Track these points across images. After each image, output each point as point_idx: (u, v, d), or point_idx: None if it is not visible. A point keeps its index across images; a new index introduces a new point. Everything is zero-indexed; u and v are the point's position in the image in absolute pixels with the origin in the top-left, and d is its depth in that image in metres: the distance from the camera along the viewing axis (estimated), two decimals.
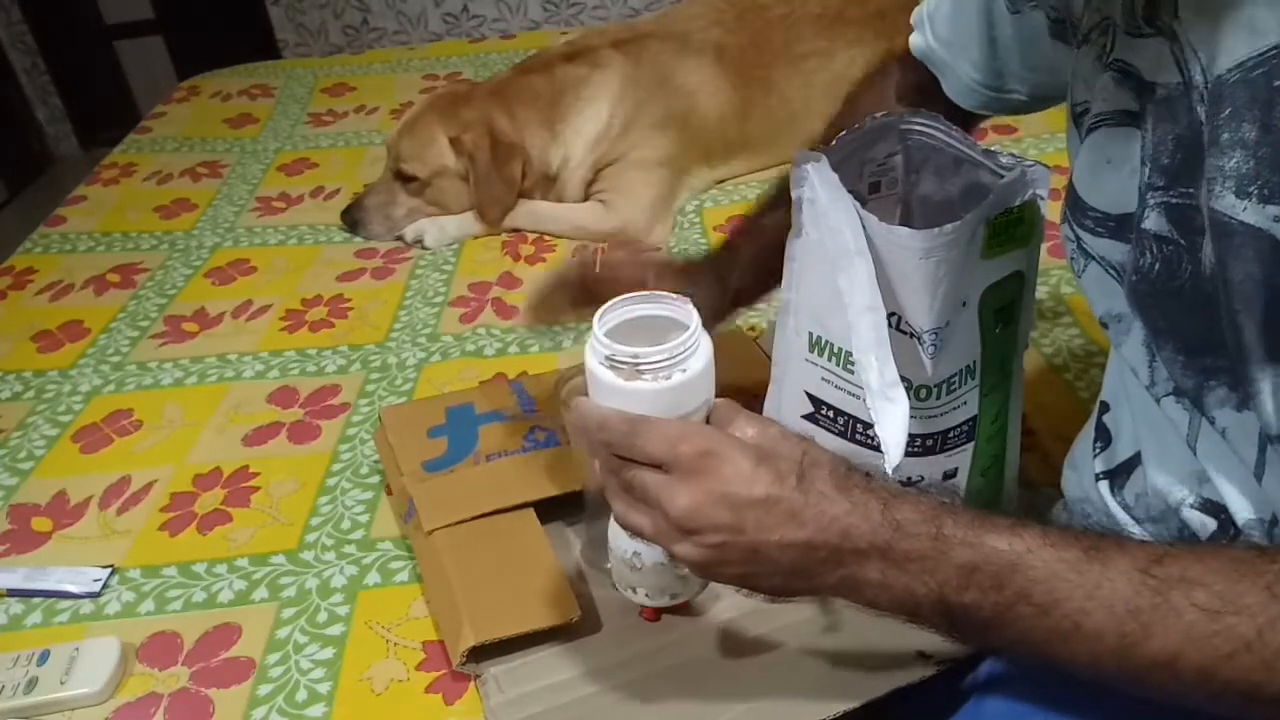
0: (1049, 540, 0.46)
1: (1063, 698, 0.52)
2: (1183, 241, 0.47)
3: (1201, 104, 0.45)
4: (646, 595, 0.57)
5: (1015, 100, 0.69)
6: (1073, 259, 0.58)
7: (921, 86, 0.73)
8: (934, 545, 0.47)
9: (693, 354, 0.52)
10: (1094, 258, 0.55)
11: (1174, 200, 0.48)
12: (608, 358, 0.52)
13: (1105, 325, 0.57)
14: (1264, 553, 0.44)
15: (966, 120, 0.72)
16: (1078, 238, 0.56)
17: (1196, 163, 0.45)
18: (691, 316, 0.53)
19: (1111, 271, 0.54)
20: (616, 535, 0.56)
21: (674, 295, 0.55)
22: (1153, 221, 0.49)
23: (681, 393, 0.52)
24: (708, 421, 0.54)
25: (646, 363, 0.51)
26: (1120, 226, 0.52)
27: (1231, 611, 0.42)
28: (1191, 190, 0.46)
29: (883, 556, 0.48)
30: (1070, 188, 0.57)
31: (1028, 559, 0.46)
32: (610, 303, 0.55)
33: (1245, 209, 0.42)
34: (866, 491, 0.49)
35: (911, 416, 0.55)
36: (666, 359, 0.51)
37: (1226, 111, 0.43)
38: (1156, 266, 0.49)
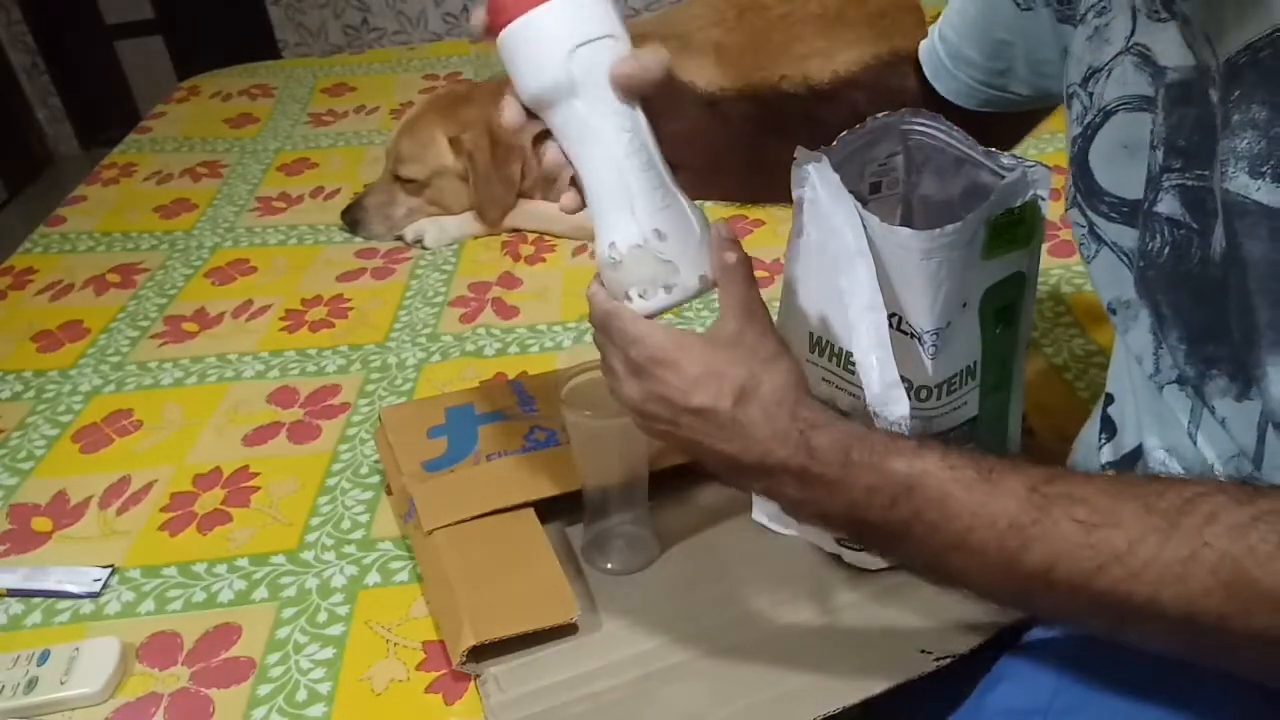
0: (947, 462, 0.49)
1: (1064, 697, 0.52)
2: (1195, 225, 0.47)
3: (1214, 87, 0.46)
4: (640, 295, 0.56)
5: (1013, 98, 0.69)
6: (1082, 244, 0.58)
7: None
8: (841, 471, 0.50)
9: None
10: (1106, 243, 0.56)
11: (1189, 183, 0.48)
12: None
13: (1113, 311, 0.57)
14: (1154, 479, 0.45)
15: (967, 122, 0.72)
16: (1090, 223, 0.56)
17: (1210, 145, 0.46)
18: None
19: (1123, 258, 0.55)
20: (598, 245, 0.56)
21: None
22: (1165, 205, 0.49)
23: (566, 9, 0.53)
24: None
25: None
26: (1134, 212, 0.53)
27: (1107, 525, 0.43)
28: (1206, 173, 0.47)
29: (798, 478, 0.52)
30: (1082, 171, 0.57)
31: (924, 480, 0.48)
32: None
33: (1259, 189, 0.43)
34: (791, 419, 0.52)
35: (912, 417, 0.55)
36: None
37: (1237, 93, 0.44)
38: (1166, 250, 0.50)
